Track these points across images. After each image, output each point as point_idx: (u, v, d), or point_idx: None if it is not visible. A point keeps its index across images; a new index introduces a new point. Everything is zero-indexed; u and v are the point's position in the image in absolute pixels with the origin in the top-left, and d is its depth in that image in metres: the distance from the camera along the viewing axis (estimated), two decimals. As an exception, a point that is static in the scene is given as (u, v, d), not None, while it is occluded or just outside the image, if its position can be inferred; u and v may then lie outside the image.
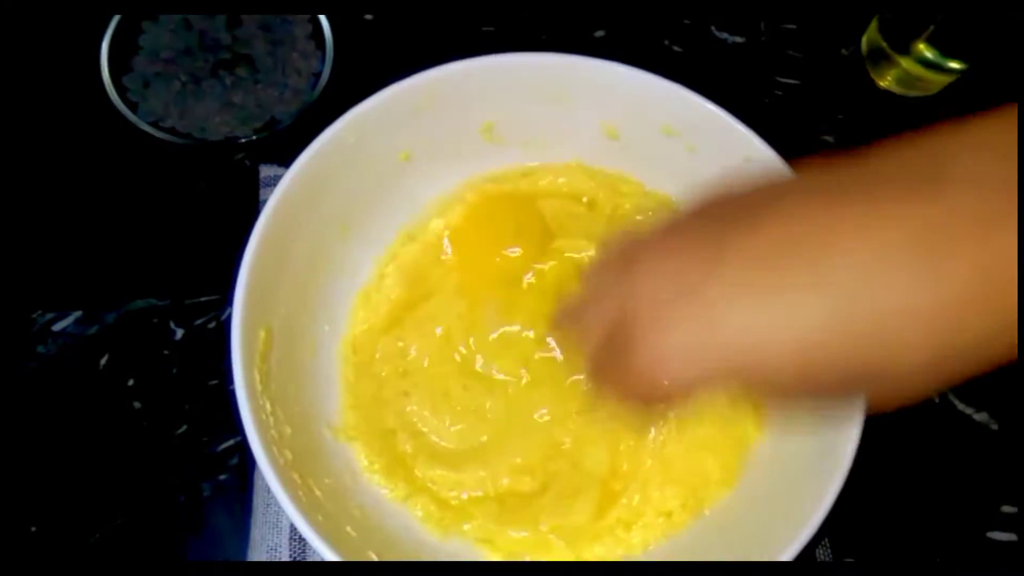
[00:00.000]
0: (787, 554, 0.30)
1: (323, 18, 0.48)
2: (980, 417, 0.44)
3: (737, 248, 0.23)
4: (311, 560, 0.37)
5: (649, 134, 0.39)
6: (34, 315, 0.43)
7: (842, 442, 0.31)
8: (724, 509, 0.36)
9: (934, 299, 0.21)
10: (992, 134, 0.22)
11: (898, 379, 0.22)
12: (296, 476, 0.31)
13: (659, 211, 0.41)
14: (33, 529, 0.39)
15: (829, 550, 0.39)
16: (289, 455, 0.31)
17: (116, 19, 0.47)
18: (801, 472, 0.33)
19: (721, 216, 0.25)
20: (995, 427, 0.43)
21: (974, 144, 0.22)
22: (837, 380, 0.23)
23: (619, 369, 0.26)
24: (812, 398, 0.25)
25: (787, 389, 0.24)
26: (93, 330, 0.43)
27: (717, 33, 0.53)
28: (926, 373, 0.22)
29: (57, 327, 0.43)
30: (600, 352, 0.27)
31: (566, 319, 0.31)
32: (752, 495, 0.35)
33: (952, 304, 0.21)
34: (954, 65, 0.49)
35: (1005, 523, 0.42)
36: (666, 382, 0.24)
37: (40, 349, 0.42)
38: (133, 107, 0.45)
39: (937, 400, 0.44)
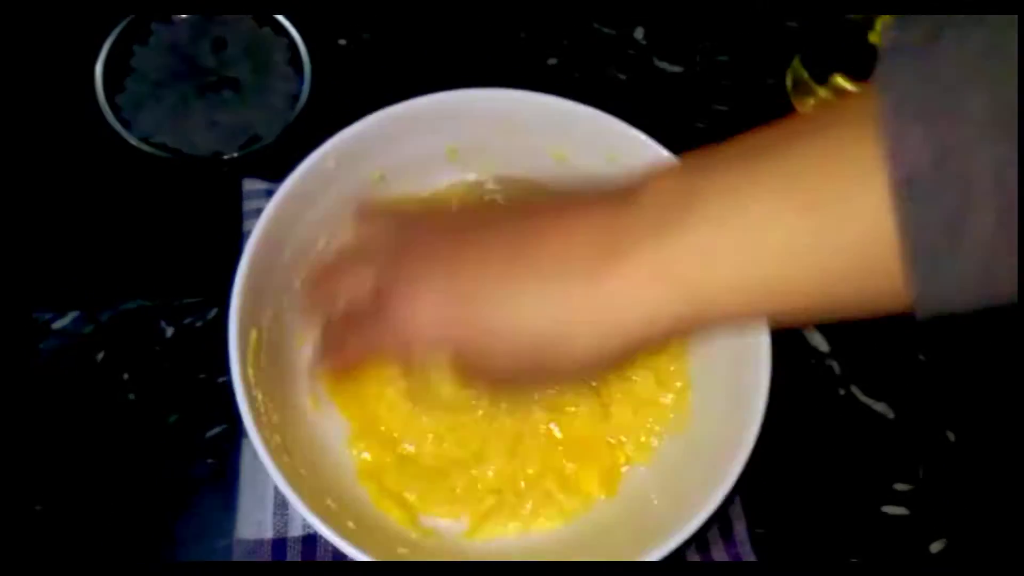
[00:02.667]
0: (697, 520, 0.35)
1: (301, 44, 0.51)
2: (879, 407, 0.48)
3: (481, 239, 0.29)
4: (293, 535, 0.41)
5: (595, 160, 0.43)
6: (35, 314, 0.45)
7: (748, 423, 0.36)
8: (634, 489, 0.41)
9: (598, 296, 0.27)
10: (688, 163, 0.27)
11: (575, 355, 0.28)
12: (285, 457, 0.35)
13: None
14: (38, 508, 0.41)
15: (744, 522, 0.44)
16: (279, 439, 0.36)
17: (110, 42, 0.49)
18: (709, 454, 0.38)
19: (481, 217, 0.31)
20: (892, 416, 0.48)
21: (663, 174, 0.27)
22: (533, 363, 0.28)
23: (372, 327, 0.31)
24: (521, 374, 0.31)
25: (499, 363, 0.29)
26: (90, 328, 0.45)
27: (658, 63, 0.57)
28: (598, 350, 0.28)
29: (56, 325, 0.45)
30: (347, 314, 0.32)
31: (322, 278, 0.35)
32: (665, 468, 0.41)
33: (617, 299, 0.26)
34: (866, 96, 0.54)
35: (898, 499, 0.46)
36: (413, 340, 0.30)
37: (40, 346, 0.45)
38: (126, 124, 0.48)
39: (842, 392, 0.48)
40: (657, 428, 0.42)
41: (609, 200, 0.28)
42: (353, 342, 0.33)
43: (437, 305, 0.29)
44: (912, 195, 0.21)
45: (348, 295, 0.32)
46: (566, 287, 0.27)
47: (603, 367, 0.29)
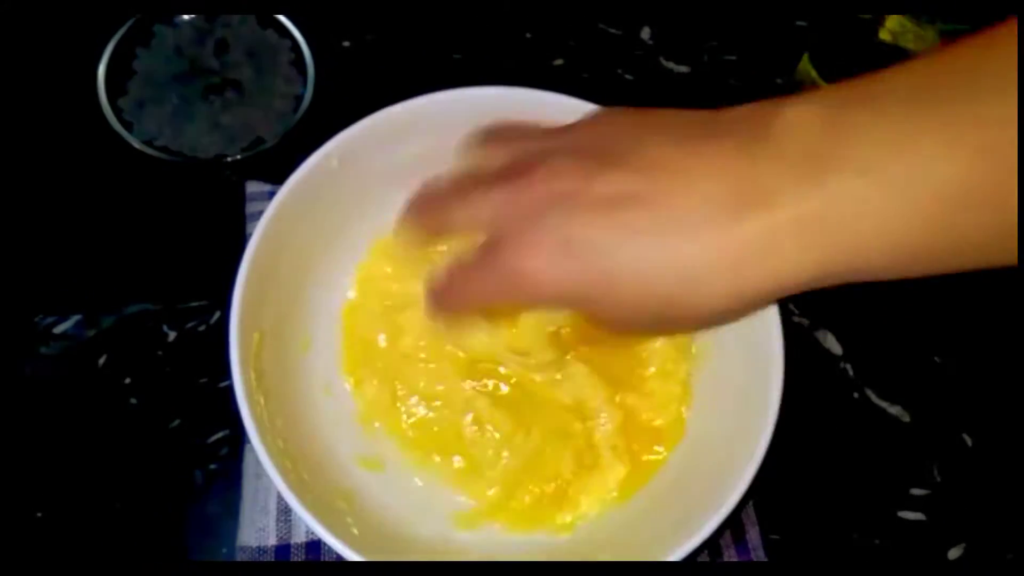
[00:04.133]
0: (710, 526, 0.34)
1: (304, 46, 0.51)
2: (894, 411, 0.47)
3: (603, 183, 0.26)
4: (296, 541, 0.41)
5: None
6: (37, 319, 0.45)
7: (761, 427, 0.35)
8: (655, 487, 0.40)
9: (732, 248, 0.24)
10: (827, 95, 0.25)
11: (702, 308, 0.26)
12: (288, 461, 0.34)
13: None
14: (39, 515, 0.41)
15: (758, 527, 0.43)
16: (281, 443, 0.35)
17: (112, 45, 0.49)
18: (722, 458, 0.37)
19: (601, 146, 0.27)
20: (907, 420, 0.47)
21: (801, 104, 0.25)
22: (659, 315, 0.27)
23: (487, 273, 0.28)
24: (645, 326, 0.29)
25: (622, 314, 0.28)
26: (92, 332, 0.45)
27: (665, 63, 0.57)
28: (726, 304, 0.26)
29: (58, 330, 0.45)
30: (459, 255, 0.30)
31: (431, 206, 0.32)
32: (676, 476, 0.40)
33: (746, 253, 0.24)
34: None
35: (914, 504, 0.45)
36: (530, 293, 0.28)
37: (43, 350, 0.44)
38: (128, 127, 0.48)
39: (856, 395, 0.48)
40: (670, 433, 0.41)
41: (740, 134, 0.25)
42: (467, 288, 0.30)
43: (554, 255, 0.26)
44: None
45: (460, 228, 0.30)
46: (698, 236, 0.25)
47: (734, 316, 0.28)
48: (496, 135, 0.33)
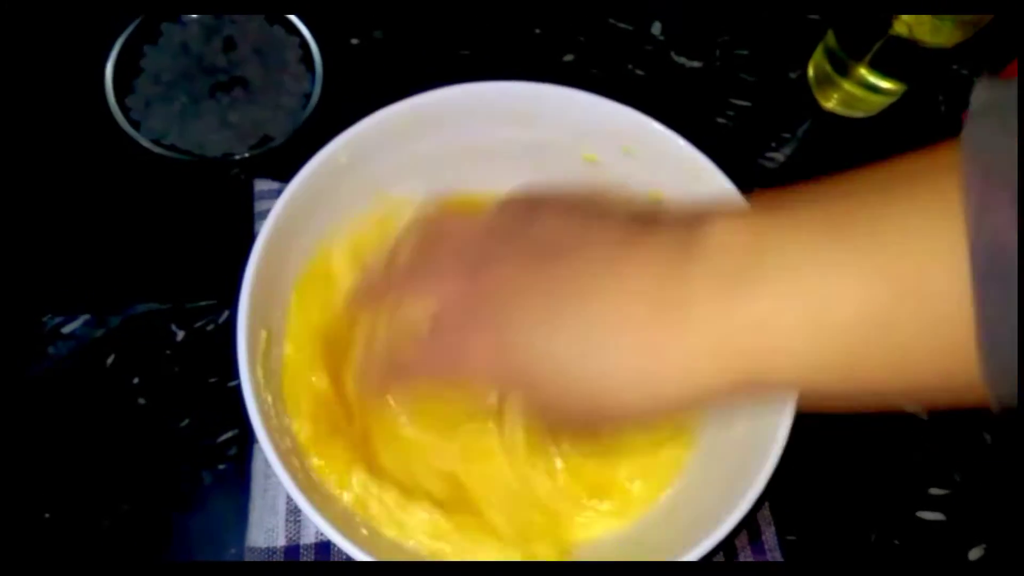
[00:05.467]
0: (725, 527, 0.33)
1: (312, 43, 0.51)
2: (912, 409, 0.46)
3: (544, 279, 0.28)
4: (305, 542, 0.40)
5: (615, 156, 0.43)
6: (44, 319, 0.45)
7: (777, 426, 0.35)
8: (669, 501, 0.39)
9: (649, 356, 0.25)
10: (759, 214, 0.25)
11: (626, 409, 0.27)
12: (295, 460, 0.34)
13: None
14: (47, 516, 0.41)
15: (773, 528, 0.43)
16: (288, 442, 0.35)
17: (120, 43, 0.49)
18: (737, 458, 0.36)
19: (545, 242, 0.29)
20: (925, 418, 0.46)
21: (731, 222, 0.25)
22: (573, 410, 0.28)
23: (427, 345, 0.30)
24: (576, 419, 0.30)
25: (548, 413, 0.29)
26: (100, 332, 0.45)
27: (676, 58, 0.57)
28: (649, 405, 0.26)
29: (66, 329, 0.45)
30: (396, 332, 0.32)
31: (374, 291, 0.34)
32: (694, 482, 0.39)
33: (671, 366, 0.25)
34: (892, 87, 0.53)
35: (933, 504, 0.45)
36: (462, 368, 0.29)
37: (50, 350, 0.44)
38: (136, 126, 0.48)
39: None
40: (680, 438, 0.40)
41: (671, 244, 0.26)
42: (403, 365, 0.32)
43: (489, 351, 0.28)
44: (992, 274, 0.19)
45: (403, 312, 0.32)
46: (617, 343, 0.26)
47: (655, 420, 0.29)
48: (434, 231, 0.33)
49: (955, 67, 0.58)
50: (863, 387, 0.24)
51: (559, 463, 0.40)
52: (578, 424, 0.31)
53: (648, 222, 0.28)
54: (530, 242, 0.29)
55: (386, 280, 0.34)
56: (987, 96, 0.21)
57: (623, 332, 0.26)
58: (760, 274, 0.23)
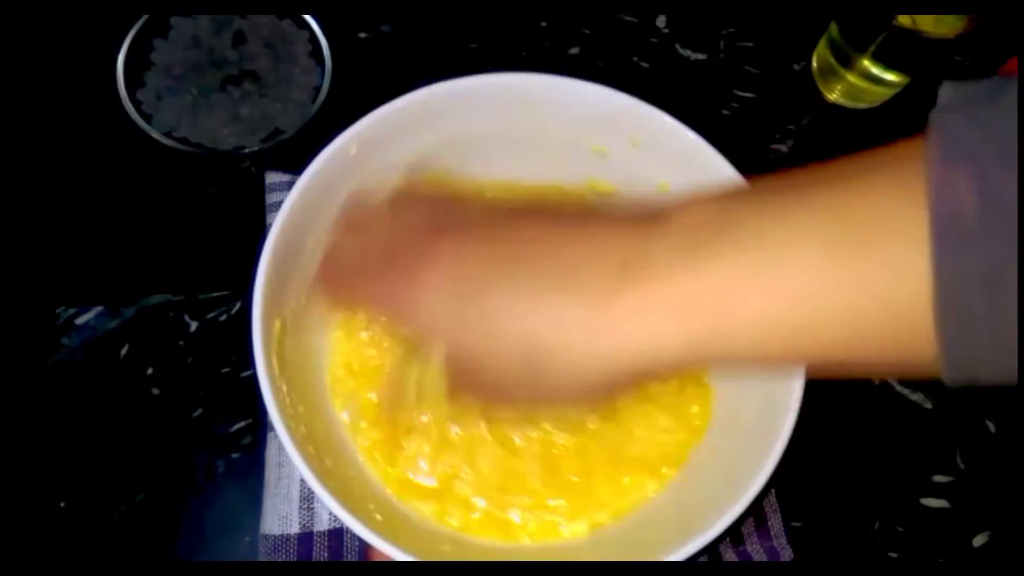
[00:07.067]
0: (731, 514, 0.34)
1: (322, 37, 0.51)
2: (915, 397, 0.47)
3: (504, 244, 0.28)
4: (319, 529, 0.41)
5: (624, 148, 0.43)
6: (59, 310, 0.45)
7: (782, 414, 0.35)
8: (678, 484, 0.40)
9: (606, 309, 0.25)
10: (730, 192, 0.26)
11: (573, 369, 0.26)
12: (311, 448, 0.34)
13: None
14: (62, 504, 0.41)
15: (780, 515, 0.43)
16: (304, 430, 0.35)
17: (130, 37, 0.49)
18: (744, 446, 0.37)
19: (508, 219, 0.29)
20: (929, 406, 0.47)
21: (701, 200, 0.26)
22: (522, 374, 0.27)
23: (380, 281, 0.29)
24: (513, 397, 0.29)
25: (490, 376, 0.28)
26: (114, 323, 0.45)
27: (681, 50, 0.57)
28: (598, 366, 0.26)
29: (80, 321, 0.45)
30: (362, 251, 0.31)
31: (353, 223, 0.33)
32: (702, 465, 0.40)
33: (621, 323, 0.25)
34: (895, 79, 0.53)
35: (937, 491, 0.45)
36: (411, 321, 0.29)
37: (65, 341, 0.45)
38: (148, 119, 0.48)
39: (877, 382, 0.47)
40: (687, 426, 0.41)
41: (640, 219, 0.26)
42: (357, 285, 0.31)
43: (440, 294, 0.28)
44: (952, 239, 0.20)
45: (371, 239, 0.31)
46: (572, 299, 0.26)
47: (599, 392, 0.28)
48: (419, 193, 0.34)
49: (958, 58, 0.58)
50: (817, 357, 0.24)
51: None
52: (517, 394, 0.29)
53: (612, 212, 0.28)
54: (503, 211, 0.30)
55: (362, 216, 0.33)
56: (953, 94, 0.22)
57: (579, 288, 0.26)
58: (718, 243, 0.24)
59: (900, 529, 0.44)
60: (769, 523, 0.43)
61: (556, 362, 0.26)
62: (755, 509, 0.42)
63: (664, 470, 0.40)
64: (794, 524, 0.43)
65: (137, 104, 0.49)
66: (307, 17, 0.51)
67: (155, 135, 0.48)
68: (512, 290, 0.27)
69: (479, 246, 0.28)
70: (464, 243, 0.28)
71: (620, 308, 0.25)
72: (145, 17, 0.50)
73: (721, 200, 0.26)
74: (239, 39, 0.51)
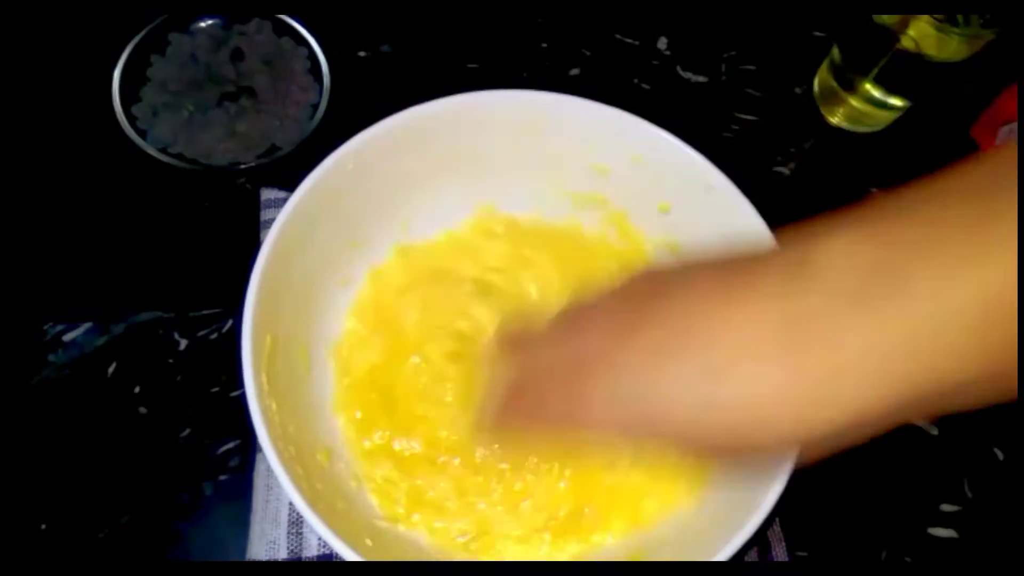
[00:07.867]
0: (735, 543, 0.33)
1: (320, 54, 0.51)
2: (922, 424, 0.46)
3: (647, 330, 0.26)
4: (308, 555, 0.39)
5: (622, 164, 0.43)
6: (47, 326, 0.44)
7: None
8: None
9: (789, 387, 0.23)
10: (863, 223, 0.24)
11: (764, 448, 0.26)
12: (299, 468, 0.33)
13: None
14: (43, 527, 0.40)
15: (784, 545, 0.42)
16: (292, 450, 0.34)
17: (127, 52, 0.49)
18: (746, 474, 0.36)
19: (633, 308, 0.28)
20: (935, 433, 0.46)
21: (844, 243, 0.24)
22: (717, 445, 0.26)
23: (554, 402, 0.29)
24: (704, 456, 0.29)
25: (680, 448, 0.28)
26: (102, 340, 0.45)
27: (682, 73, 0.57)
28: (787, 443, 0.25)
29: (68, 337, 0.45)
30: (527, 388, 0.30)
31: (513, 347, 0.33)
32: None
33: (803, 392, 0.23)
34: (897, 102, 0.53)
35: (945, 520, 0.44)
36: (583, 422, 0.28)
37: (51, 358, 0.44)
38: (143, 135, 0.48)
39: None
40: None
41: (780, 275, 0.24)
42: (534, 408, 0.30)
43: (603, 405, 0.27)
44: None
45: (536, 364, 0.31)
46: (743, 380, 0.24)
47: (819, 445, 0.26)
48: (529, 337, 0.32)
49: (961, 82, 0.58)
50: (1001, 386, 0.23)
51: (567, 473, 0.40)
52: (726, 455, 0.29)
53: (742, 269, 0.26)
54: (619, 307, 0.29)
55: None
56: None
57: (749, 359, 0.24)
58: (898, 288, 0.22)
59: (907, 559, 0.43)
60: (773, 552, 0.41)
61: (752, 444, 0.25)
62: (759, 538, 0.41)
63: (670, 497, 0.39)
64: (799, 553, 0.42)
65: (132, 119, 0.48)
66: (306, 34, 0.51)
67: (150, 150, 0.47)
68: (678, 383, 0.25)
69: (630, 346, 0.27)
70: (619, 348, 0.27)
71: (797, 384, 0.23)
72: (142, 33, 0.50)
73: (871, 241, 0.24)
74: (237, 56, 0.51)
